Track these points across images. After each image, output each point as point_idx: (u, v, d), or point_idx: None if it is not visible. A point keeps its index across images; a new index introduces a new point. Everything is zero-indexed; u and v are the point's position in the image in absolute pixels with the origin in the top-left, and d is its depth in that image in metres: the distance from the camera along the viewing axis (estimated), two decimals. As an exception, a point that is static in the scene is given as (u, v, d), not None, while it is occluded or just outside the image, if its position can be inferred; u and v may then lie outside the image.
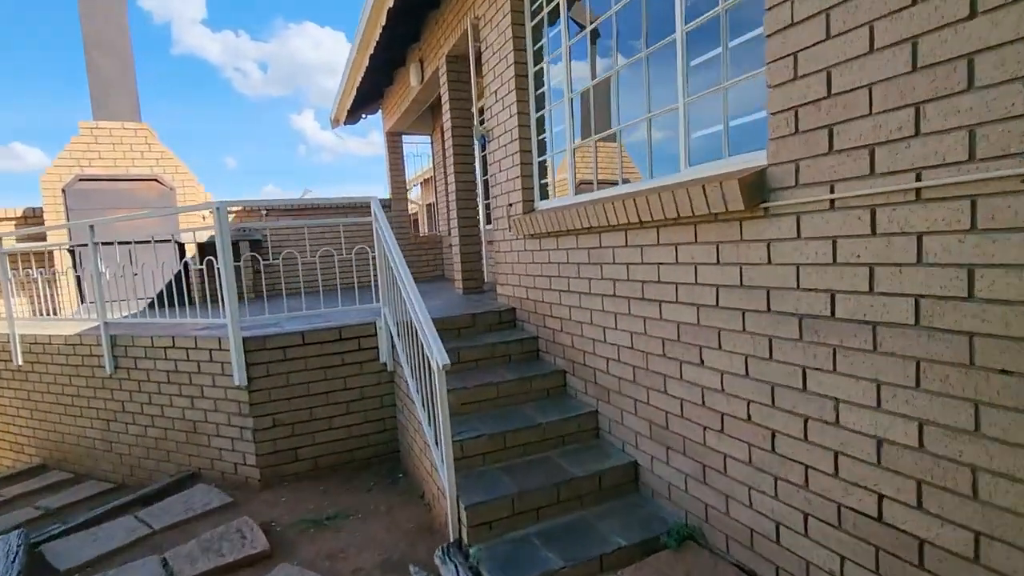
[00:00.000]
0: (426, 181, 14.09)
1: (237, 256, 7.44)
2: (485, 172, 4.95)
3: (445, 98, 5.26)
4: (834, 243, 1.73)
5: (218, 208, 3.46)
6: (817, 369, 1.83)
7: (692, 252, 2.33)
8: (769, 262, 1.97)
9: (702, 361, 2.35)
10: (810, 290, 1.82)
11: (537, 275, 3.78)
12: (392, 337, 3.82)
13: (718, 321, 2.23)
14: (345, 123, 8.56)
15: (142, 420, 4.22)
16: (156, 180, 6.85)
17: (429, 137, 9.45)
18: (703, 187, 2.11)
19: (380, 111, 8.72)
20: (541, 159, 3.81)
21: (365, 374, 3.92)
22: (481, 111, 4.53)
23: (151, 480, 4.26)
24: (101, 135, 6.64)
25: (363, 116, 8.86)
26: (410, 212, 13.61)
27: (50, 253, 6.71)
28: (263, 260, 7.80)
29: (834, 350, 1.76)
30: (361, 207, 8.38)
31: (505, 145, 4.03)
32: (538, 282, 3.77)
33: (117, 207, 6.69)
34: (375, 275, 3.92)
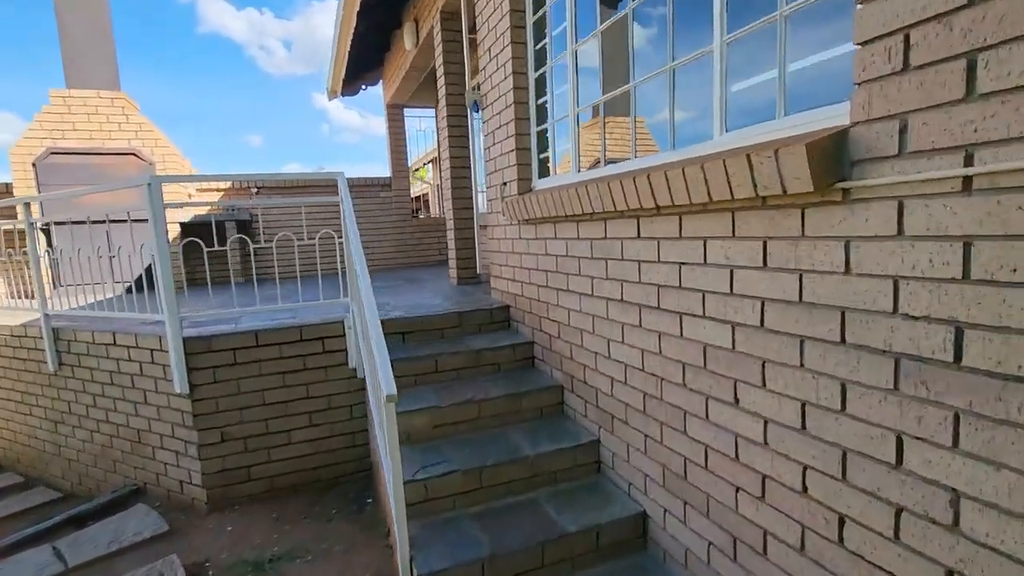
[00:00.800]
0: (434, 160, 13.45)
1: (223, 238, 6.96)
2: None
3: (439, 61, 4.60)
4: (967, 247, 1.07)
5: (150, 185, 2.89)
6: (922, 439, 1.19)
7: (727, 250, 1.69)
8: (847, 271, 1.32)
9: (737, 400, 1.71)
10: (918, 318, 1.17)
11: (532, 268, 3.15)
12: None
13: (762, 348, 1.59)
14: (343, 94, 7.94)
15: (88, 424, 3.75)
16: (134, 154, 6.34)
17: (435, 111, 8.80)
18: (748, 158, 1.45)
19: (381, 82, 8.07)
20: (540, 128, 3.16)
21: (332, 380, 3.36)
22: (476, 72, 3.87)
23: (98, 491, 3.79)
24: (75, 104, 6.13)
25: (363, 87, 8.22)
26: (421, 193, 12.97)
27: (20, 232, 6.28)
28: (252, 243, 7.30)
29: (956, 415, 1.12)
30: (369, 185, 7.81)
31: (499, 112, 3.38)
32: (534, 277, 3.14)
33: (92, 183, 6.21)
34: (342, 265, 3.33)
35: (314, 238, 7.63)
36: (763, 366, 1.59)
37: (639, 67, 2.30)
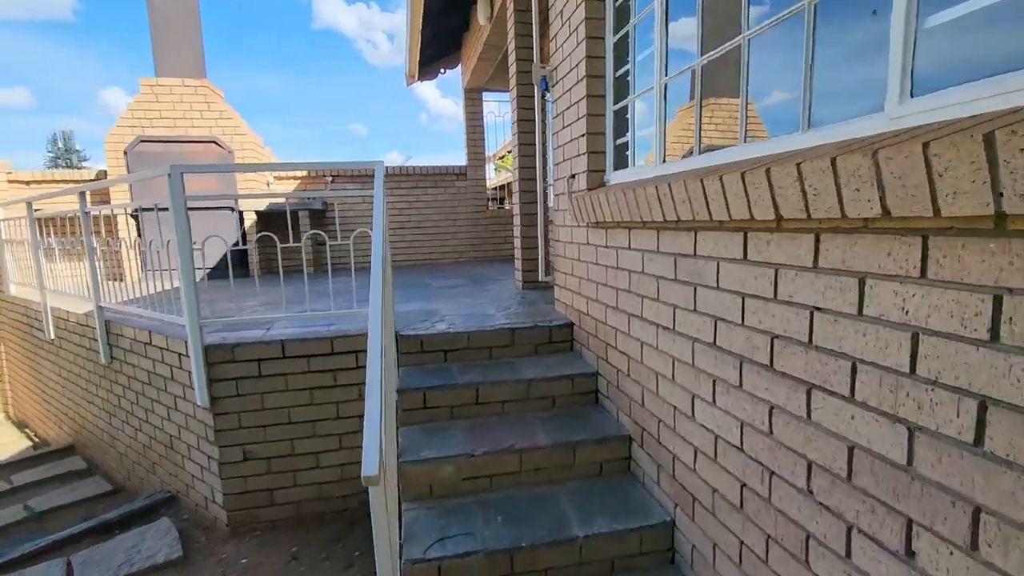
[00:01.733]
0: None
1: (297, 230, 6.89)
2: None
3: (511, 35, 4.03)
4: None
5: (171, 174, 2.59)
6: None
7: (917, 299, 0.99)
8: None
9: (910, 550, 1.02)
10: None
11: (600, 283, 2.53)
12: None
13: (976, 471, 0.89)
14: (421, 77, 7.60)
15: (132, 422, 3.64)
16: (215, 142, 6.37)
17: (516, 95, 8.25)
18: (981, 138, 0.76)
19: (460, 66, 7.65)
20: (619, 106, 2.51)
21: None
22: (547, 45, 3.26)
23: (142, 489, 3.69)
24: (162, 93, 6.24)
25: (442, 70, 7.85)
26: (507, 182, 12.47)
27: (114, 218, 6.55)
28: (327, 234, 7.19)
29: None
30: (443, 174, 7.46)
31: (570, 89, 2.76)
32: (602, 293, 2.52)
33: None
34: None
35: (416, 227, 7.46)
36: (975, 513, 0.89)
37: (752, 21, 1.59)
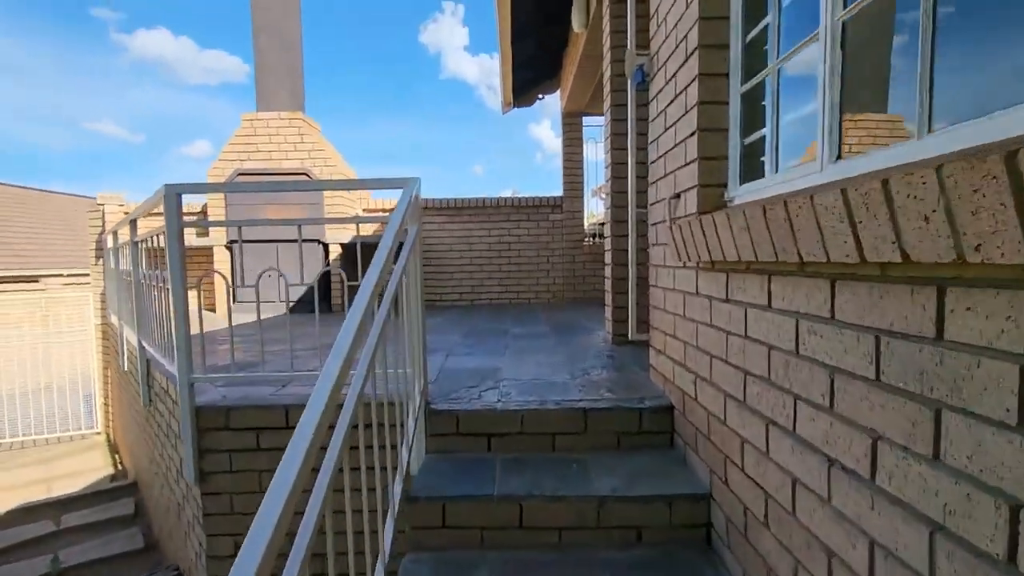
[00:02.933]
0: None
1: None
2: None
3: (606, 28, 3.29)
4: None
5: (165, 195, 2.12)
6: None
7: None
8: None
9: None
10: None
11: (718, 356, 1.61)
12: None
13: None
14: (516, 104, 7.11)
15: (160, 475, 3.25)
16: (306, 174, 6.27)
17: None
18: None
19: (559, 91, 7.05)
20: (750, 86, 1.63)
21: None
22: (642, 28, 2.47)
23: (167, 552, 3.26)
24: (259, 126, 6.30)
25: (540, 96, 7.33)
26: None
27: (208, 250, 6.65)
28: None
29: None
30: (537, 206, 6.83)
31: (674, 75, 1.94)
32: (719, 374, 1.60)
33: (267, 203, 6.29)
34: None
35: (491, 261, 6.85)
36: None
37: None
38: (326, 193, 6.25)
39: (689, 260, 1.76)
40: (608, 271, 3.28)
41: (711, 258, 1.51)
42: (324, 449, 0.96)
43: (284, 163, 6.29)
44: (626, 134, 2.88)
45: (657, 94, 2.17)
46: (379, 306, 1.48)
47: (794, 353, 1.18)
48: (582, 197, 6.90)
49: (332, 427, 1.01)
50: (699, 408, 1.78)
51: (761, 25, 1.58)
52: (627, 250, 2.95)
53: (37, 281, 11.22)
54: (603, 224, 9.81)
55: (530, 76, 6.60)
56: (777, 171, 1.51)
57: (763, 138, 1.60)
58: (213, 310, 6.56)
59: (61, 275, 11.93)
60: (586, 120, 6.89)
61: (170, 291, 2.15)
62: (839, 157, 1.19)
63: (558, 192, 6.84)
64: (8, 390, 6.35)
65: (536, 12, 4.95)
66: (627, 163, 2.86)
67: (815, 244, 0.99)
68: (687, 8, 1.81)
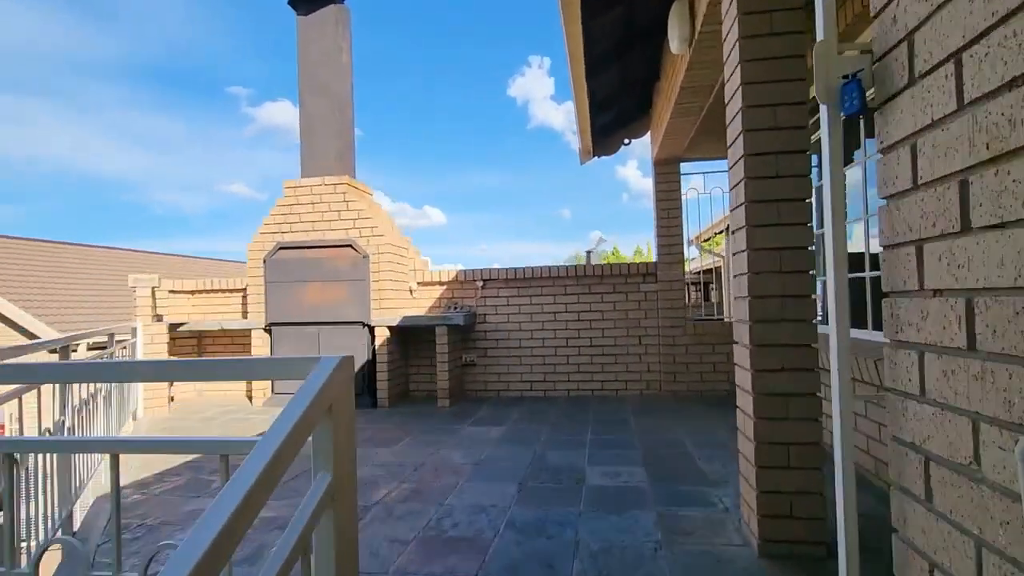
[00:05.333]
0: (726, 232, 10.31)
1: (432, 345, 5.48)
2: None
3: (733, 37, 2.06)
4: None
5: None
6: None
7: None
8: None
9: None
10: None
11: None
12: None
13: None
14: (596, 152, 5.96)
15: None
16: (351, 246, 5.43)
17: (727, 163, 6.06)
18: None
19: (649, 134, 5.83)
20: None
21: None
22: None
23: None
24: (302, 194, 5.59)
25: (625, 141, 6.12)
26: (713, 267, 9.82)
27: (246, 333, 5.93)
28: (470, 352, 5.73)
29: None
30: (625, 275, 5.55)
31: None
32: None
33: (308, 279, 5.50)
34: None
35: (564, 349, 5.44)
36: None
37: None
38: (373, 266, 5.35)
39: None
40: (748, 404, 1.91)
41: None
42: None
43: (328, 234, 5.49)
44: (804, 159, 1.56)
45: (917, 81, 0.88)
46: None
47: None
48: (682, 263, 5.51)
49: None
50: None
51: None
52: (813, 370, 1.56)
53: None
54: (700, 273, 8.12)
55: (612, 118, 5.45)
56: None
57: None
58: (250, 398, 5.79)
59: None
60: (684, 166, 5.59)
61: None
62: None
63: (644, 233, 5.55)
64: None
65: (615, 30, 3.81)
66: (804, 199, 1.53)
67: None
68: None
